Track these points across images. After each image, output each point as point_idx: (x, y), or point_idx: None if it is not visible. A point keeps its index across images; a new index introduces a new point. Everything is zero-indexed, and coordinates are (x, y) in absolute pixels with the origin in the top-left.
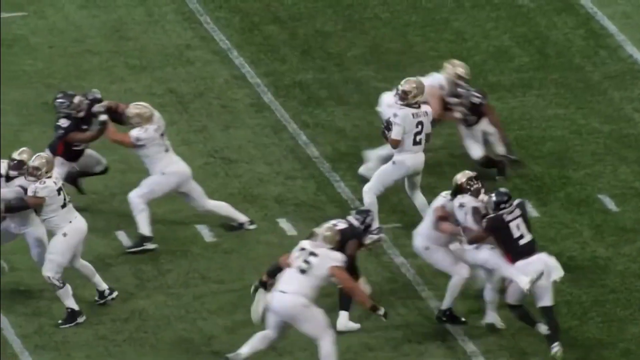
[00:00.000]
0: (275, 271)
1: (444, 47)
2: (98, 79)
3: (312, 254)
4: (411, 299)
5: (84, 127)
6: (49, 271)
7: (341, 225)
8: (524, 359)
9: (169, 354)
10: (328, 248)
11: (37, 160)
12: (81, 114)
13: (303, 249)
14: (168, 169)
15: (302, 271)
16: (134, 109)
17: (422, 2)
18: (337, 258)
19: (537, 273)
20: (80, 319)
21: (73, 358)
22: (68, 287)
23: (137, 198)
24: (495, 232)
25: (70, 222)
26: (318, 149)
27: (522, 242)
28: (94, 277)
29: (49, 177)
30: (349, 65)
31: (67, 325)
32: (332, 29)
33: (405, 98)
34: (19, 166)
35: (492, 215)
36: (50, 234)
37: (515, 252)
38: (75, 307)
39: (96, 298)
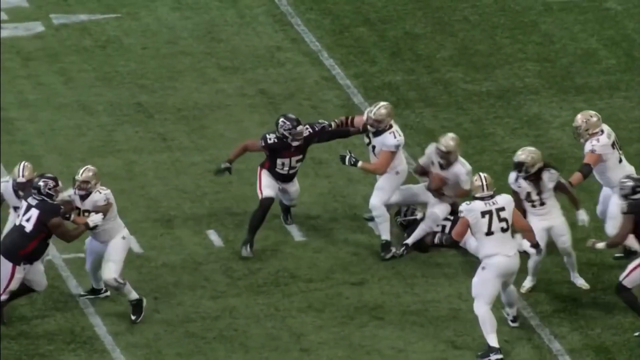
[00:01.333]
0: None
1: (532, 49)
2: (190, 80)
3: (500, 209)
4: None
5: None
6: (114, 273)
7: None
8: (609, 357)
9: (258, 352)
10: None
11: (85, 173)
12: (295, 143)
13: (488, 212)
14: (400, 167)
15: (504, 230)
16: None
17: (511, 4)
18: (511, 200)
19: None
20: (144, 304)
21: (164, 355)
22: (128, 284)
23: (379, 204)
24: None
25: (124, 227)
26: (407, 150)
27: None
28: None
29: (102, 187)
30: (438, 67)
31: (140, 317)
32: (422, 31)
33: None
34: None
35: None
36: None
37: None
38: (138, 295)
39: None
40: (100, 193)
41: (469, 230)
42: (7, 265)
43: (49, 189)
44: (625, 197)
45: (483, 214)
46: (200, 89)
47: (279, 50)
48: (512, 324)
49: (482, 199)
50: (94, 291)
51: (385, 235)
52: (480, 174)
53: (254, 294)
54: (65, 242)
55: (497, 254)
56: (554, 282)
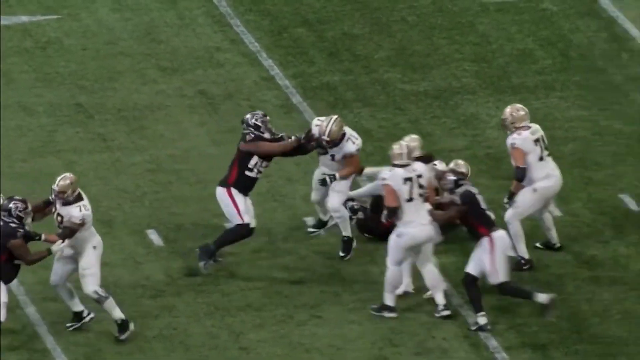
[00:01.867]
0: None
1: (469, 49)
2: (130, 81)
3: (419, 176)
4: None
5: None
6: (93, 285)
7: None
8: (546, 354)
9: (198, 350)
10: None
11: (61, 182)
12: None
13: (409, 179)
14: None
15: (422, 196)
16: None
17: (448, 5)
18: (427, 168)
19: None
20: (132, 326)
21: (104, 354)
22: (111, 298)
23: (338, 205)
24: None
25: (94, 235)
26: None
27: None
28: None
29: (80, 198)
30: (376, 67)
31: (124, 335)
32: (360, 31)
33: None
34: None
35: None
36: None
37: (487, 222)
38: (123, 315)
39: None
40: (80, 211)
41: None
42: None
43: (20, 212)
44: (450, 192)
45: (405, 180)
46: (140, 90)
47: (218, 51)
48: (442, 313)
49: (401, 166)
50: (78, 316)
51: (347, 232)
52: (402, 142)
53: (194, 293)
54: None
55: (413, 222)
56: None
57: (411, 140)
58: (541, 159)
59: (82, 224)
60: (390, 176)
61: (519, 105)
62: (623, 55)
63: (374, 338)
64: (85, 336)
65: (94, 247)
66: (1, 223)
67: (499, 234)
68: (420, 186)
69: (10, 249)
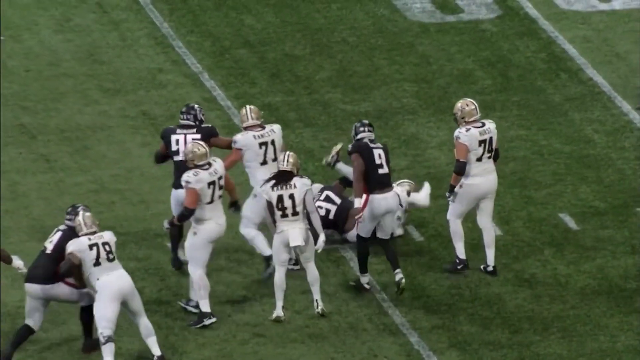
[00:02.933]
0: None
1: (409, 70)
2: (72, 101)
3: (220, 178)
4: (376, 314)
5: None
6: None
7: None
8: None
9: None
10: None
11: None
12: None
13: (212, 183)
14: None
15: (220, 197)
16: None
17: (388, 26)
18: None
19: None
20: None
21: None
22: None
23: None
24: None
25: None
26: None
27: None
28: (149, 337)
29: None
30: (317, 88)
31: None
32: (301, 52)
33: None
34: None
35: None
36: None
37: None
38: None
39: None
40: (77, 239)
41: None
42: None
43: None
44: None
45: (209, 184)
46: (83, 111)
47: (161, 72)
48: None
49: (202, 166)
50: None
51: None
52: (201, 142)
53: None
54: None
55: (209, 220)
56: (433, 297)
57: (195, 146)
58: (479, 159)
59: (72, 258)
60: (196, 180)
61: (469, 100)
62: (562, 75)
63: (316, 357)
64: (29, 356)
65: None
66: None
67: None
68: (220, 187)
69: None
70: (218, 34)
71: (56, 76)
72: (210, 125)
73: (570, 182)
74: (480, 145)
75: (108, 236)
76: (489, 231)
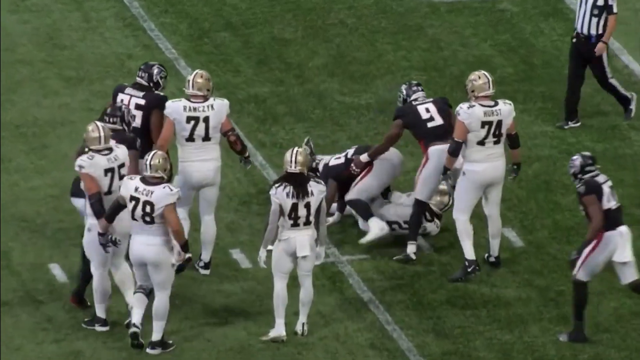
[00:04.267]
0: None
1: (418, 56)
2: (29, 92)
3: (121, 166)
4: (379, 339)
5: None
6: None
7: None
8: None
9: None
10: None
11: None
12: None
13: (110, 170)
14: None
15: None
16: None
17: (393, 6)
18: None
19: None
20: None
21: None
22: None
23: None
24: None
25: None
26: (276, 171)
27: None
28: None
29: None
30: (311, 77)
31: None
32: (291, 36)
33: None
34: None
35: None
36: None
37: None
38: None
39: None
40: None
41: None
42: None
43: None
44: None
45: (106, 171)
46: (41, 103)
47: (130, 58)
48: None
49: (99, 152)
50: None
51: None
52: (97, 122)
53: (103, 337)
54: None
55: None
56: (444, 319)
57: (90, 127)
58: (482, 143)
59: None
60: (89, 164)
61: (483, 72)
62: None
63: None
64: None
65: None
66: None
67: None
68: (121, 177)
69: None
70: (196, 15)
71: (10, 63)
72: (161, 95)
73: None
74: (483, 126)
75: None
76: (495, 221)
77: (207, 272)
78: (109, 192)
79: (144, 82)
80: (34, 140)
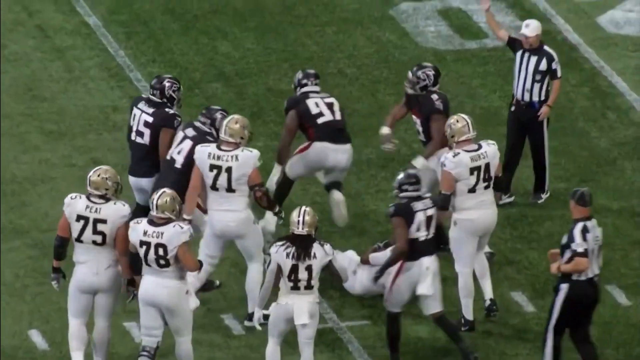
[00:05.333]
0: None
1: None
2: (7, 147)
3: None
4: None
5: None
6: None
7: None
8: None
9: None
10: None
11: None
12: None
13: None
14: None
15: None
16: None
17: (395, 54)
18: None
19: None
20: None
21: None
22: None
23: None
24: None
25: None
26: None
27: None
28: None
29: None
30: None
31: None
32: (288, 87)
33: None
34: None
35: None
36: None
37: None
38: None
39: None
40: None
41: None
42: None
43: None
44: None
45: (78, 217)
46: (20, 159)
47: (115, 111)
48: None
49: (88, 195)
50: None
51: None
52: (103, 167)
53: None
54: None
55: (82, 263)
56: None
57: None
58: (473, 190)
59: None
60: (67, 203)
61: (461, 115)
62: (609, 114)
63: None
64: None
65: None
66: None
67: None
68: (97, 232)
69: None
70: (186, 64)
71: None
72: (171, 112)
73: (619, 246)
74: (472, 173)
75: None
76: (482, 261)
77: (251, 324)
78: (79, 240)
79: (156, 99)
80: (12, 198)
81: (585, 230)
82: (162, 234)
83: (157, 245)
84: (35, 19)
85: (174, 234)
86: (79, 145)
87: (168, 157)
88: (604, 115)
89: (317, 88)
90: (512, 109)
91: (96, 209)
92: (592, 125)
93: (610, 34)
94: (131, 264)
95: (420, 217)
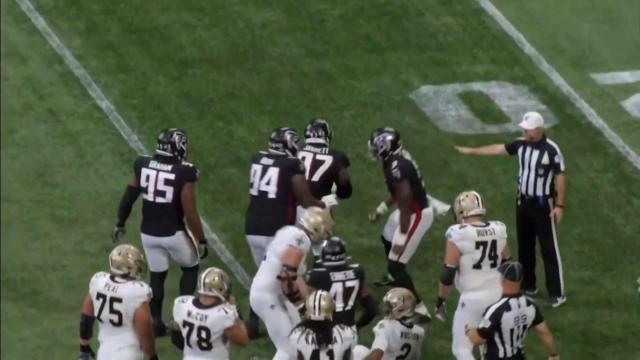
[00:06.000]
0: None
1: (442, 194)
2: (17, 235)
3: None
4: None
5: None
6: None
7: None
8: None
9: None
10: None
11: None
12: None
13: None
14: None
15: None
16: None
17: (415, 139)
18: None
19: None
20: None
21: None
22: None
23: None
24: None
25: None
26: None
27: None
28: None
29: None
30: None
31: None
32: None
33: None
34: None
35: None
36: None
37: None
38: None
39: None
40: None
41: None
42: None
43: None
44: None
45: (98, 296)
46: (30, 246)
47: None
48: None
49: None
50: None
51: None
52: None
53: None
54: None
55: (103, 342)
56: None
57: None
58: (478, 266)
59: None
60: (91, 282)
61: (470, 192)
62: (634, 201)
63: None
64: None
65: None
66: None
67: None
68: (115, 312)
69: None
70: (201, 149)
71: None
72: (190, 166)
73: None
74: (477, 247)
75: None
76: None
77: None
78: (99, 319)
79: (167, 154)
80: (22, 286)
81: (505, 309)
82: (206, 317)
83: (200, 328)
84: (46, 102)
85: (218, 319)
86: (90, 232)
87: (255, 193)
88: (629, 201)
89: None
90: (519, 203)
91: (114, 287)
92: (617, 211)
93: (635, 118)
94: (174, 341)
95: (337, 288)
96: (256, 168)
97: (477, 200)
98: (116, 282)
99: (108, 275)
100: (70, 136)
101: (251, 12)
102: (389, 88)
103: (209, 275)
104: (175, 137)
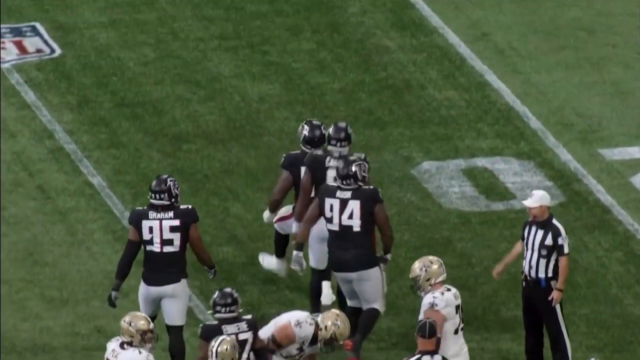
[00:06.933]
0: None
1: (447, 273)
2: (7, 315)
3: None
4: None
5: None
6: None
7: None
8: None
9: None
10: None
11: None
12: None
13: None
14: None
15: None
16: None
17: (417, 217)
18: None
19: None
20: None
21: None
22: None
23: None
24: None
25: None
26: None
27: None
28: None
29: None
30: None
31: None
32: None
33: None
34: None
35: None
36: None
37: None
38: None
39: None
40: None
41: None
42: None
43: None
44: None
45: None
46: (20, 327)
47: None
48: None
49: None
50: None
51: None
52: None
53: None
54: None
55: None
56: None
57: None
58: (456, 332)
59: None
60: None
61: (433, 257)
62: None
63: None
64: None
65: None
66: None
67: None
68: None
69: None
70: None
71: None
72: (189, 207)
73: None
74: (457, 311)
75: None
76: None
77: None
78: None
79: (165, 202)
80: None
81: None
82: None
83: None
84: (36, 179)
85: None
86: (82, 313)
87: (336, 228)
88: (638, 281)
89: None
90: (523, 284)
91: (116, 354)
92: (626, 292)
93: None
94: None
95: None
96: (332, 202)
97: (442, 265)
98: (122, 348)
99: (120, 341)
100: (61, 214)
101: (248, 85)
102: (390, 164)
103: (221, 345)
104: (170, 184)
